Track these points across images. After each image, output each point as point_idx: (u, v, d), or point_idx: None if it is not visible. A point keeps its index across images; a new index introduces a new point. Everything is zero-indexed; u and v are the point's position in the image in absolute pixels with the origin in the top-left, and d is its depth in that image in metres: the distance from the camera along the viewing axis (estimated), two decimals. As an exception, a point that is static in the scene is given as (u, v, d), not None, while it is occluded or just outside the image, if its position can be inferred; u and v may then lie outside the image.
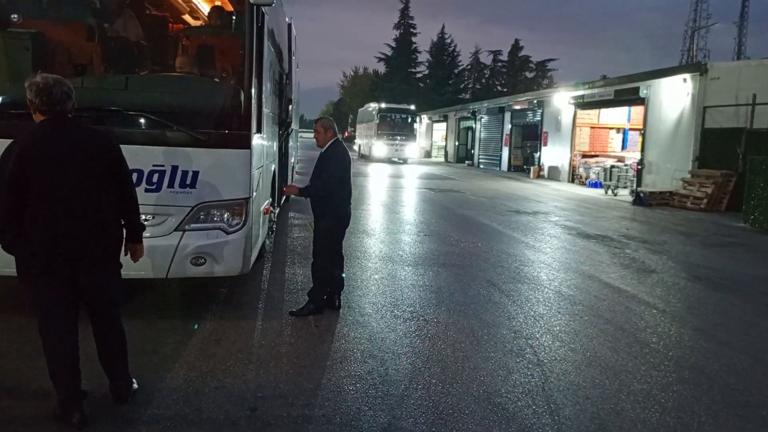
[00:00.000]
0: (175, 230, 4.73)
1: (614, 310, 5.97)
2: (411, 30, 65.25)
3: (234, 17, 5.08)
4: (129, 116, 4.61)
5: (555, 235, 10.63)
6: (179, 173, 4.68)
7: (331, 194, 5.23)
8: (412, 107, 36.50)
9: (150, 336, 4.54)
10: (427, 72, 65.46)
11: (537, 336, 5.06)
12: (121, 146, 3.42)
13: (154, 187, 4.63)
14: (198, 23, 6.04)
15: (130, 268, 3.76)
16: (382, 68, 67.03)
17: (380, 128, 33.83)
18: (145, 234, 3.71)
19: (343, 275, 5.59)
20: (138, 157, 4.38)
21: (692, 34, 76.07)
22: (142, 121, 4.63)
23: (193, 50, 5.49)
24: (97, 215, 3.23)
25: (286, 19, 9.49)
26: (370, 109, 37.30)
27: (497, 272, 7.38)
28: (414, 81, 64.84)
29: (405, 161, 34.39)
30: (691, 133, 17.37)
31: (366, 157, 36.51)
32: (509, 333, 5.11)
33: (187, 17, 6.13)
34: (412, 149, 34.70)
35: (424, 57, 66.37)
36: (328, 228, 5.33)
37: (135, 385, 3.57)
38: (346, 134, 75.45)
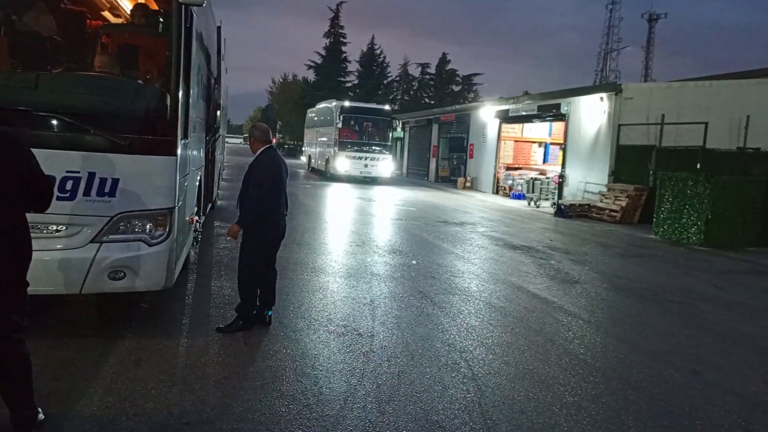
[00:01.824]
0: (91, 242, 4.36)
1: (543, 321, 6.11)
2: (341, 39, 65.31)
3: (160, 16, 4.78)
4: (39, 117, 4.21)
5: (483, 245, 10.83)
6: (96, 180, 4.33)
7: (262, 201, 5.00)
8: (387, 107, 27.59)
9: (60, 357, 4.15)
10: (356, 82, 65.69)
11: (471, 349, 5.07)
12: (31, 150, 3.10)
13: (67, 195, 4.25)
14: (120, 21, 5.67)
15: (39, 284, 3.42)
16: (312, 76, 66.65)
17: (343, 135, 24.81)
18: (57, 246, 3.38)
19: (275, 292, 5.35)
20: (49, 162, 3.98)
21: (605, 56, 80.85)
22: (54, 122, 4.24)
23: (113, 49, 5.13)
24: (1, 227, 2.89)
25: (216, 23, 9.16)
26: (328, 108, 28.18)
27: (429, 283, 7.39)
28: (344, 90, 64.81)
29: (374, 180, 25.65)
30: (607, 149, 18.34)
31: (320, 173, 28.03)
32: (443, 346, 5.09)
33: (107, 14, 5.74)
34: (386, 165, 25.50)
35: (353, 67, 66.63)
36: (257, 239, 5.10)
37: (41, 416, 3.21)
38: (275, 141, 74.17)
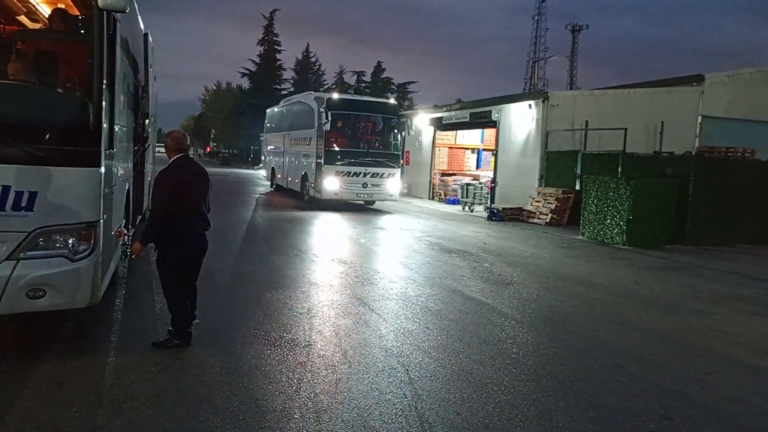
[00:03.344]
0: (7, 259, 4.13)
1: (478, 323, 6.27)
2: (276, 47, 64.70)
3: (80, 22, 4.61)
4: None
5: (419, 250, 11.00)
6: (12, 194, 4.11)
7: (172, 216, 4.69)
8: (392, 101, 20.95)
9: (-26, 384, 3.90)
10: (292, 89, 65.20)
11: (407, 353, 5.14)
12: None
13: (-21, 210, 4.01)
14: (38, 26, 5.41)
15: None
16: (246, 83, 65.63)
17: (332, 141, 17.41)
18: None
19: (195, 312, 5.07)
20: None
21: (533, 65, 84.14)
22: (-37, 134, 4.00)
23: (30, 56, 4.89)
24: None
25: (142, 29, 8.88)
26: (304, 104, 20.66)
27: (366, 289, 7.43)
28: (279, 98, 64.22)
29: (373, 201, 19.18)
30: (536, 154, 19.05)
31: (293, 194, 20.98)
32: (380, 352, 5.13)
33: (23, 19, 5.47)
34: (393, 182, 18.20)
35: (289, 74, 66.15)
36: (170, 256, 4.83)
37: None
38: (208, 150, 72.31)
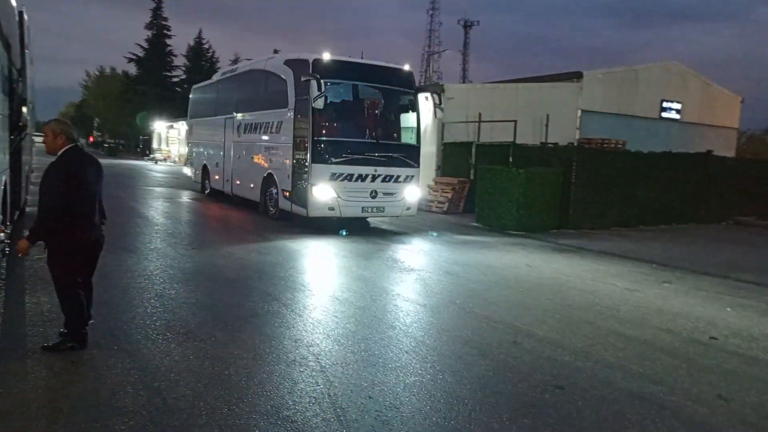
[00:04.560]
0: None
1: (385, 309, 6.44)
2: (165, 32, 61.42)
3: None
4: None
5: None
6: None
7: (64, 211, 4.38)
8: (406, 68, 13.02)
9: None
10: (184, 77, 62.30)
11: (317, 342, 5.18)
12: None
13: None
14: None
15: None
16: (133, 69, 61.74)
17: (321, 128, 11.57)
18: None
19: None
20: None
21: (428, 58, 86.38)
22: None
23: None
24: None
25: (15, 5, 8.10)
26: (268, 73, 14.01)
27: (273, 282, 7.36)
28: (170, 85, 61.15)
29: (380, 211, 12.41)
30: (434, 145, 19.68)
31: (249, 207, 14.92)
32: (291, 343, 5.14)
33: None
34: (413, 189, 12.63)
35: (180, 61, 63.14)
36: (62, 255, 4.51)
37: None
38: (91, 140, 67.48)
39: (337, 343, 5.22)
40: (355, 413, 3.83)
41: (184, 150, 45.27)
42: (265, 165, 13.66)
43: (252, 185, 14.47)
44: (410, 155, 12.50)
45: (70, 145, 4.58)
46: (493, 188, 14.44)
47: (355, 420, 3.74)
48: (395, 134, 12.74)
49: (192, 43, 63.70)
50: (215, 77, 19.34)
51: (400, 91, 12.64)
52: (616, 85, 24.14)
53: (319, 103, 10.98)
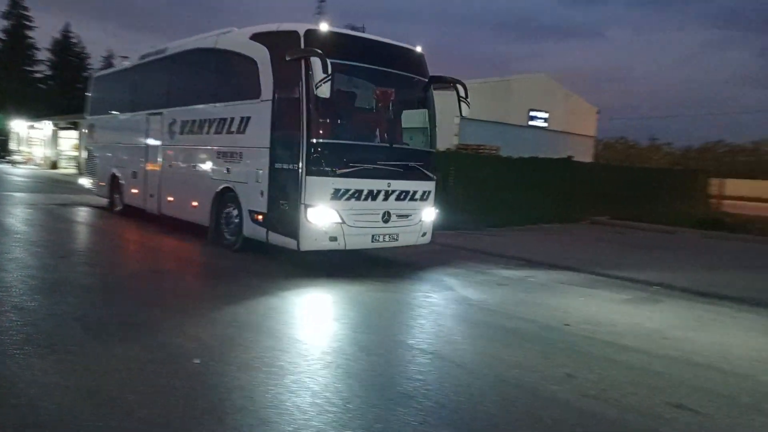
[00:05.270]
0: None
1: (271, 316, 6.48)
2: (26, 23, 56.21)
3: None
4: None
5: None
6: None
7: None
8: (418, 49, 9.76)
9: None
10: (50, 72, 57.40)
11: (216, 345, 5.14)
12: None
13: None
14: None
15: None
16: (-14, 62, 55.77)
17: (317, 128, 8.23)
18: None
19: None
20: None
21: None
22: None
23: None
24: None
25: None
26: (233, 51, 10.11)
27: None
28: (32, 81, 56.02)
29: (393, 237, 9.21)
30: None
31: (191, 231, 11.11)
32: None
33: None
34: (429, 208, 9.87)
35: (44, 55, 58.07)
36: None
37: None
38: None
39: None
40: (238, 416, 3.90)
41: (50, 152, 41.67)
42: (218, 177, 10.19)
43: (195, 203, 10.83)
44: (427, 163, 9.77)
45: None
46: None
47: (236, 420, 3.81)
48: (410, 136, 9.98)
49: (59, 36, 58.84)
50: (128, 63, 15.48)
51: (411, 79, 9.68)
52: (491, 93, 25.80)
53: (323, 91, 7.53)
